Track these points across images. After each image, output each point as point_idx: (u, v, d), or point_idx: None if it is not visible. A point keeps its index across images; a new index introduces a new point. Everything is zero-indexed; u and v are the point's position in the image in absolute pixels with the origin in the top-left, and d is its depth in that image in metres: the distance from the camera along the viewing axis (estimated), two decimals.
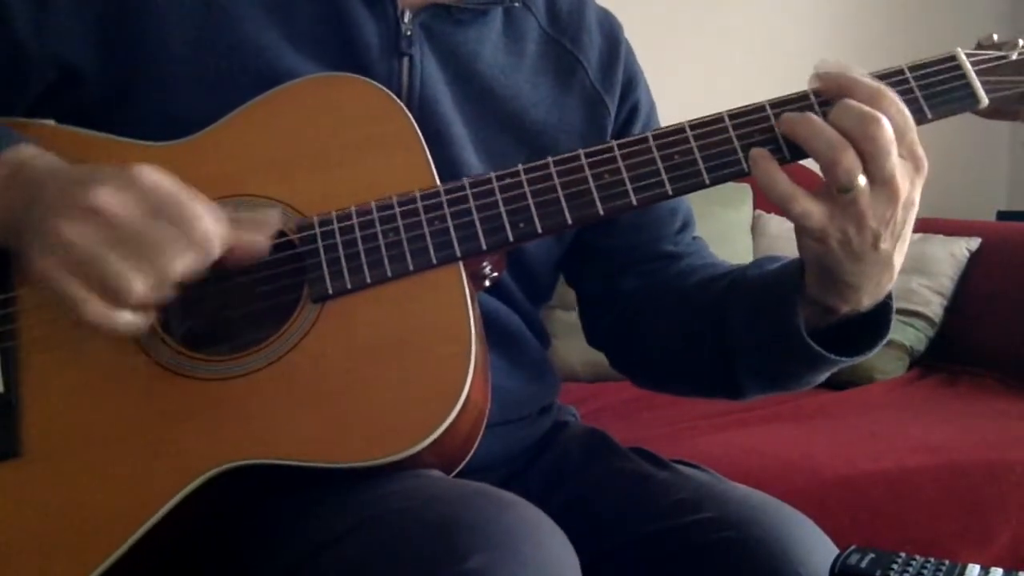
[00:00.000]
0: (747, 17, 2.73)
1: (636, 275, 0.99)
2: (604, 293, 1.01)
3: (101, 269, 0.66)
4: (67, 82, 0.83)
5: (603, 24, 1.00)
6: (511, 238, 0.77)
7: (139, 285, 0.67)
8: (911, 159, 0.75)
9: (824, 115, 0.75)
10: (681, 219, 1.02)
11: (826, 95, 0.77)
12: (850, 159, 0.73)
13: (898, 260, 0.79)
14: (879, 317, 0.82)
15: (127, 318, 0.68)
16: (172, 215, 0.67)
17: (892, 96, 0.75)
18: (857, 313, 0.81)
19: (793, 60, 2.64)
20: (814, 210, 0.75)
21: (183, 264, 0.68)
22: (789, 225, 0.79)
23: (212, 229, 0.69)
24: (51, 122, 0.82)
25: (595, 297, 1.03)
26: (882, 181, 0.74)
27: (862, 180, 0.73)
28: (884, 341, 0.83)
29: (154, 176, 0.68)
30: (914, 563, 0.71)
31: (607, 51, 0.99)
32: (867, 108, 0.73)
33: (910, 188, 0.75)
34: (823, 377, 0.87)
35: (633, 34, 1.04)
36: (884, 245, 0.76)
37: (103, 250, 0.66)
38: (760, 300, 0.86)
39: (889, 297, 0.82)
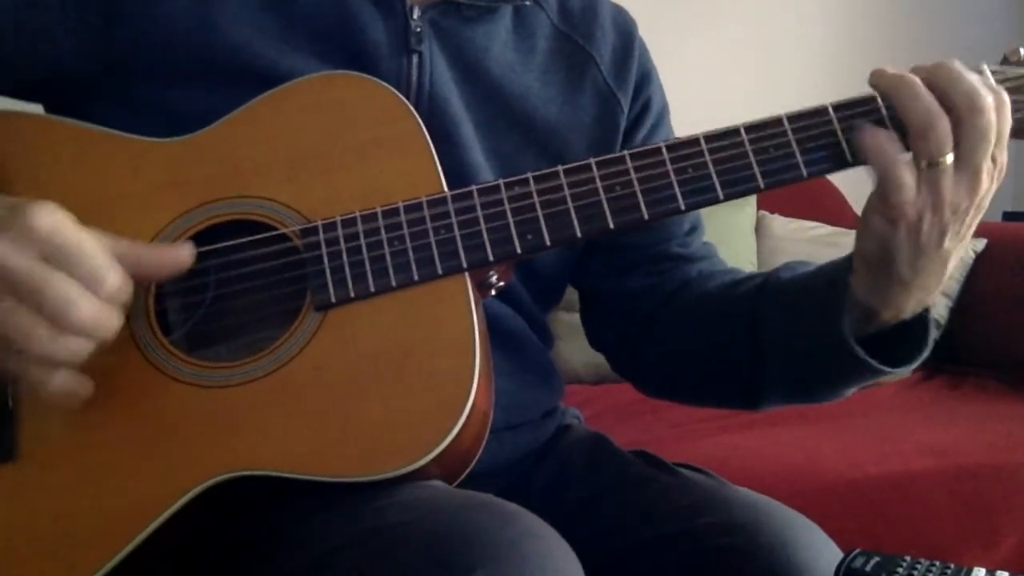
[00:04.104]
0: (754, 24, 2.72)
1: (643, 274, 0.97)
2: (608, 291, 0.99)
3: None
4: (55, 82, 0.82)
5: (616, 20, 0.99)
6: (519, 250, 0.75)
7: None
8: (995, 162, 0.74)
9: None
10: (690, 222, 1.00)
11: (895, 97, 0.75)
12: (945, 129, 0.72)
13: (952, 265, 0.77)
14: (916, 330, 0.80)
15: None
16: (69, 264, 0.65)
17: (1004, 98, 0.74)
18: (896, 322, 0.79)
19: (801, 66, 2.67)
20: (908, 182, 0.73)
21: (86, 312, 0.66)
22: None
23: (109, 276, 0.67)
24: (38, 112, 0.81)
25: (598, 295, 1.01)
26: (967, 167, 0.73)
27: (950, 158, 0.72)
28: (925, 354, 0.80)
29: (49, 222, 0.66)
30: (919, 566, 0.71)
31: (620, 47, 0.98)
32: (981, 89, 0.72)
33: (988, 187, 0.75)
34: (853, 389, 0.85)
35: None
36: (948, 243, 0.75)
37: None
38: (798, 302, 0.83)
39: (927, 311, 0.80)
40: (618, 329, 1.00)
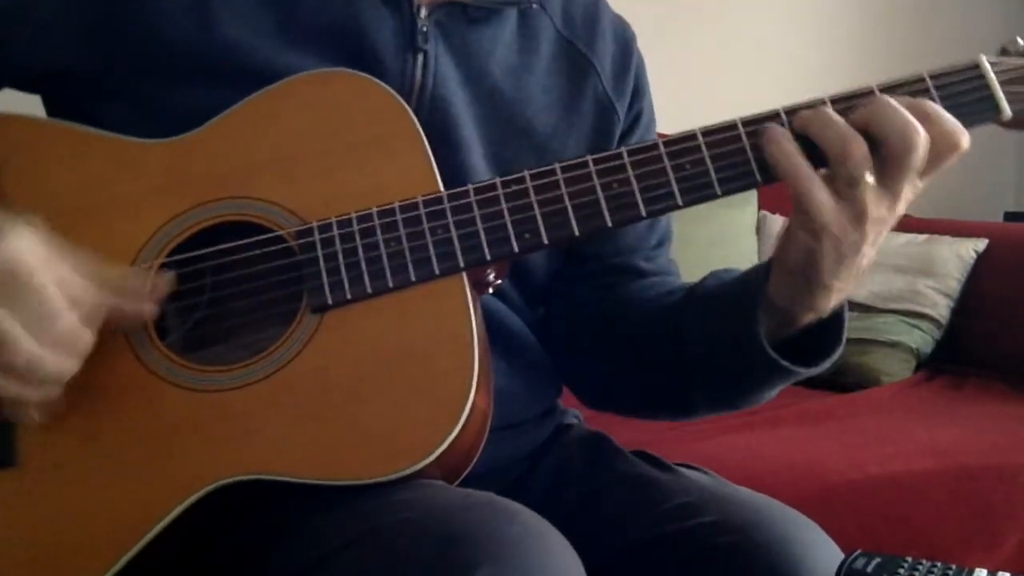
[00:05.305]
0: (752, 25, 2.72)
1: (596, 286, 0.96)
2: (556, 297, 0.97)
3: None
4: (56, 77, 0.82)
5: (617, 31, 0.99)
6: (516, 249, 0.75)
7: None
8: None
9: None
10: (658, 236, 0.99)
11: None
12: (861, 151, 0.72)
13: (867, 267, 0.78)
14: (832, 328, 0.81)
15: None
16: (31, 305, 0.66)
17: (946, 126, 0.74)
18: (814, 322, 0.80)
19: (800, 66, 2.66)
20: (826, 201, 0.73)
21: (58, 327, 0.67)
22: None
23: (69, 326, 0.68)
24: (34, 114, 0.81)
25: (545, 299, 0.98)
26: (890, 189, 0.73)
27: (870, 177, 0.72)
28: (840, 349, 0.81)
29: (14, 259, 0.66)
30: (921, 567, 0.70)
31: (620, 58, 0.98)
32: (914, 123, 0.72)
33: (911, 199, 0.75)
34: (774, 393, 0.86)
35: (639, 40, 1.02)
36: (868, 249, 0.75)
37: None
38: (718, 308, 0.84)
39: (843, 306, 0.80)
40: (556, 334, 0.98)
